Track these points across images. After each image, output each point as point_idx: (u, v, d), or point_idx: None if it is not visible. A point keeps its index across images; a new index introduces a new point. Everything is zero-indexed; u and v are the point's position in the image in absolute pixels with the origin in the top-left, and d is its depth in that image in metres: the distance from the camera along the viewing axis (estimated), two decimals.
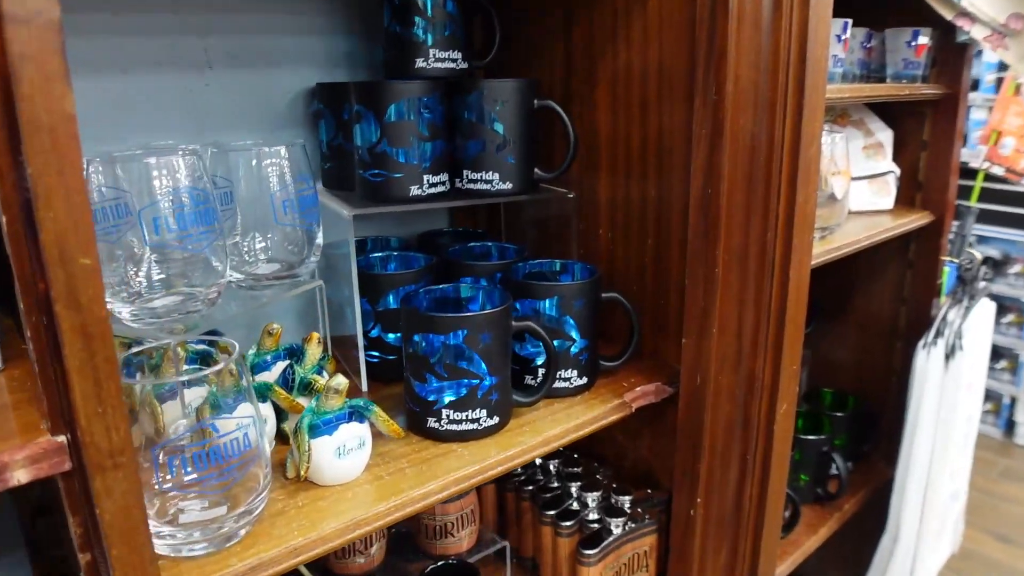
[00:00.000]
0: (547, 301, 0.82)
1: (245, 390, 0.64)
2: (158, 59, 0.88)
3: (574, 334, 0.83)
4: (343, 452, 0.68)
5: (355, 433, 0.69)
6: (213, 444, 0.60)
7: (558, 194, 0.96)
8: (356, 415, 0.70)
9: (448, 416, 0.75)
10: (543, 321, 0.82)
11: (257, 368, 0.81)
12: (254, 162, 0.77)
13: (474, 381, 0.74)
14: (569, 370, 0.84)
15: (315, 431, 0.68)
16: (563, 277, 0.90)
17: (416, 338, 0.74)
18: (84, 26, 0.83)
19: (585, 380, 0.85)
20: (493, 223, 1.15)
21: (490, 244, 0.99)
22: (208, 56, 0.90)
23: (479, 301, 0.82)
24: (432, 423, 0.76)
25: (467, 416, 0.75)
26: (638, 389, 0.86)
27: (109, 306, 0.68)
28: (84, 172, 0.44)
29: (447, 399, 0.74)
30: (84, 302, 0.45)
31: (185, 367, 0.73)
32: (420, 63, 0.90)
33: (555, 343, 0.82)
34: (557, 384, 0.84)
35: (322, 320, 0.89)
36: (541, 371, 0.84)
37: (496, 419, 0.77)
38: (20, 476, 0.51)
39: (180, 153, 0.69)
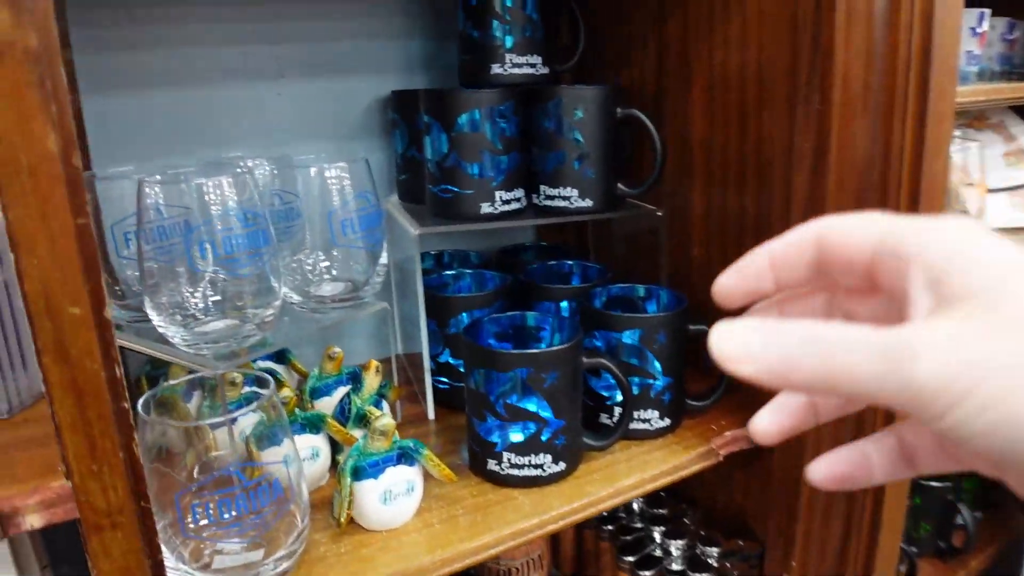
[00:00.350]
0: (627, 333, 0.74)
1: (283, 426, 0.59)
2: (230, 69, 0.85)
3: (656, 371, 0.75)
4: (389, 498, 0.63)
5: (403, 477, 0.64)
6: (246, 487, 0.56)
7: (644, 211, 0.87)
8: (405, 458, 0.64)
9: (509, 460, 0.68)
10: (622, 355, 0.74)
11: (317, 393, 0.78)
12: (315, 178, 0.73)
13: (537, 424, 0.67)
14: (649, 410, 0.76)
15: (359, 474, 0.63)
16: (648, 304, 0.82)
17: (475, 373, 0.68)
18: (155, 39, 0.81)
19: (668, 422, 0.77)
20: (581, 237, 1.07)
21: (571, 263, 0.91)
22: (280, 65, 0.87)
23: (548, 333, 0.75)
24: (492, 465, 0.69)
25: (529, 461, 0.68)
26: (728, 434, 0.76)
27: (162, 330, 0.67)
28: (79, 208, 0.39)
29: (508, 441, 0.68)
30: (74, 355, 0.41)
31: (243, 391, 0.70)
32: (496, 69, 0.84)
33: (635, 380, 0.74)
34: (636, 425, 0.76)
35: (392, 342, 0.85)
36: (618, 410, 0.76)
37: (562, 465, 0.69)
38: (33, 521, 0.48)
39: (232, 172, 0.66)
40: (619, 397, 0.76)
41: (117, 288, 0.73)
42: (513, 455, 0.68)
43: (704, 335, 0.76)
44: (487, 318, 0.75)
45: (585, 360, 0.69)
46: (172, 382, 0.65)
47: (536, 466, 0.68)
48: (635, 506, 0.93)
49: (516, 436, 0.68)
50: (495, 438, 0.68)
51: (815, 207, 0.70)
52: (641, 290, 0.82)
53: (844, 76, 0.66)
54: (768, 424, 0.36)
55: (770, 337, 0.28)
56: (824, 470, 0.36)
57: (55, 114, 0.41)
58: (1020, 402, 0.25)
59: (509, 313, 0.76)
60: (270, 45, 0.86)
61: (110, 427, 0.42)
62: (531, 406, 0.67)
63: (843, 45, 0.66)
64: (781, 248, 0.35)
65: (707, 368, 0.84)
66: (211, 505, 0.54)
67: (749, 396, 0.83)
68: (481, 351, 0.68)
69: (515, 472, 0.68)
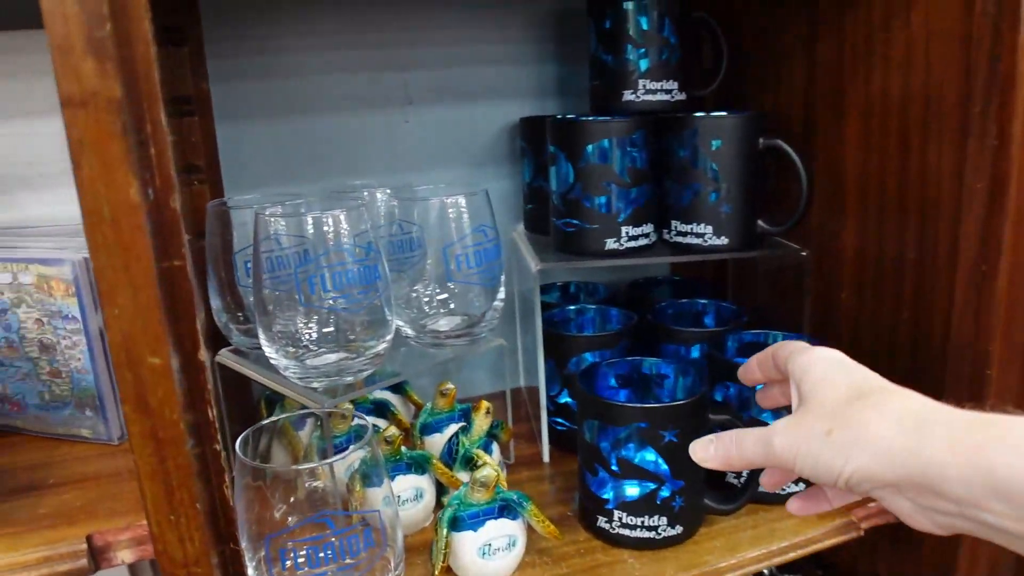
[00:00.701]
0: (760, 385, 0.67)
1: (381, 469, 0.58)
2: (359, 96, 0.85)
3: None
4: (488, 552, 0.60)
5: (505, 531, 0.60)
6: (339, 533, 0.54)
7: (787, 250, 0.80)
8: (508, 511, 0.61)
9: (620, 518, 0.64)
10: (753, 409, 0.68)
11: (428, 429, 0.76)
12: (432, 210, 0.71)
13: (652, 484, 0.62)
14: None
15: (458, 525, 0.60)
16: None
17: (588, 423, 0.64)
18: (286, 67, 0.82)
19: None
20: (719, 273, 1.00)
21: (704, 303, 0.85)
22: (408, 91, 0.87)
23: (672, 380, 0.69)
24: (602, 522, 0.65)
25: (643, 522, 0.63)
26: (872, 505, 0.68)
27: (274, 362, 0.67)
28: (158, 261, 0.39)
29: (621, 499, 0.63)
30: (154, 404, 0.40)
31: (353, 423, 0.70)
32: (628, 95, 0.79)
33: None
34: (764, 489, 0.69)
35: (508, 378, 0.82)
36: (746, 471, 0.69)
37: (679, 529, 0.64)
38: (124, 556, 0.48)
39: (348, 205, 0.65)
40: None
41: (240, 314, 0.74)
42: (625, 514, 0.63)
43: None
44: (606, 362, 0.70)
45: (712, 416, 0.63)
46: (281, 416, 0.65)
47: (650, 527, 0.63)
48: (764, 570, 0.85)
49: (630, 493, 0.63)
50: (607, 494, 0.64)
51: (988, 255, 0.61)
52: (779, 337, 0.75)
53: None
54: (797, 508, 0.54)
55: (718, 443, 0.52)
56: (797, 503, 0.54)
57: (149, 160, 0.40)
58: (818, 460, 0.44)
59: (630, 358, 0.71)
60: (399, 71, 0.86)
61: (188, 477, 0.42)
62: (648, 463, 0.62)
63: None
64: (760, 358, 0.58)
65: None
66: (300, 549, 0.53)
67: None
68: (594, 401, 0.64)
69: (626, 532, 0.64)
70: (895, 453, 0.41)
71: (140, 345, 0.39)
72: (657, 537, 0.63)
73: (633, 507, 0.63)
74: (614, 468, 0.63)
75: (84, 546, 0.47)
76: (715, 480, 0.71)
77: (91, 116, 0.37)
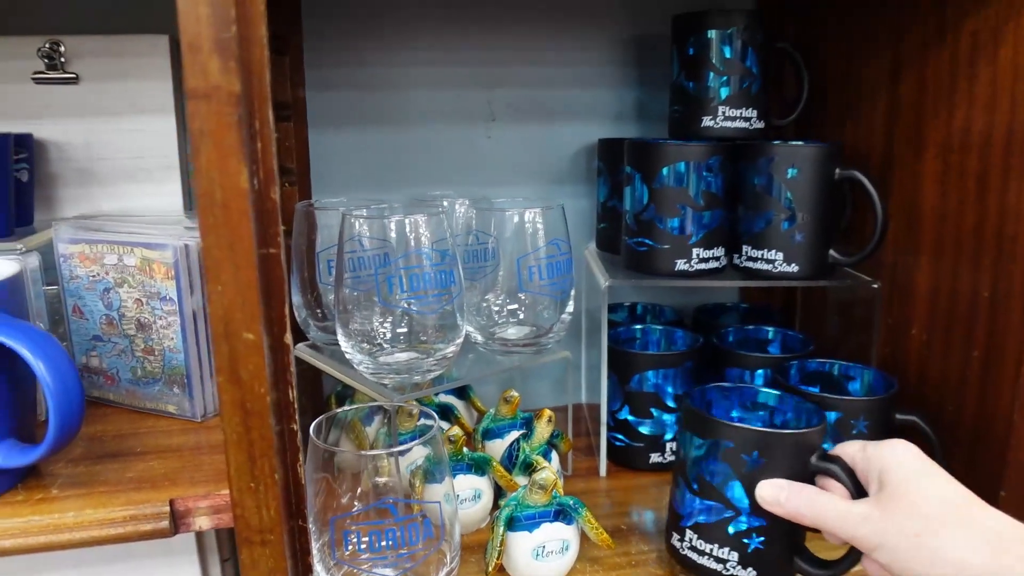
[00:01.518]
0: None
1: (444, 465, 0.60)
2: (444, 111, 0.89)
3: None
4: (542, 554, 0.61)
5: (559, 535, 0.62)
6: (399, 521, 0.56)
7: (859, 282, 0.80)
8: (563, 515, 0.63)
9: (691, 540, 0.61)
10: None
11: (490, 435, 0.78)
12: (508, 222, 0.74)
13: (727, 512, 0.59)
14: None
15: (514, 525, 0.62)
16: (851, 385, 0.75)
17: (681, 435, 0.63)
18: (379, 81, 0.86)
19: None
20: (789, 302, 1.00)
21: (771, 330, 0.85)
22: (492, 108, 0.90)
23: (780, 411, 0.66)
24: (675, 539, 0.63)
25: (712, 551, 0.60)
26: None
27: (349, 357, 0.70)
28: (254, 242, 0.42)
29: (695, 519, 0.61)
30: (245, 377, 0.43)
31: (419, 423, 0.72)
32: (707, 121, 0.81)
33: None
34: None
35: (570, 391, 0.83)
36: None
37: (752, 572, 0.59)
38: (202, 523, 0.51)
39: (429, 212, 0.68)
40: None
41: (319, 311, 0.77)
42: (696, 536, 0.61)
43: (914, 426, 0.68)
44: (723, 384, 0.67)
45: (815, 462, 0.57)
46: (352, 407, 0.68)
47: (719, 559, 0.60)
48: None
49: (703, 516, 0.60)
50: (684, 510, 0.62)
51: None
52: (845, 368, 0.75)
53: None
54: None
55: (791, 493, 0.55)
56: None
57: (256, 153, 0.44)
58: (899, 557, 0.48)
59: (747, 386, 0.68)
60: (484, 89, 0.89)
61: (270, 449, 0.44)
62: (722, 488, 0.59)
63: None
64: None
65: None
66: (363, 534, 0.55)
67: None
68: (686, 408, 0.62)
69: (693, 556, 0.61)
70: (976, 573, 0.45)
71: (237, 321, 0.42)
72: (724, 572, 0.60)
73: (704, 531, 0.60)
74: (693, 484, 0.60)
75: (167, 509, 0.50)
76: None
77: (212, 108, 0.40)
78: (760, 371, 0.78)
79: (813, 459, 0.57)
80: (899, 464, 0.51)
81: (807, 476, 0.57)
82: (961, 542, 0.46)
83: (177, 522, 0.50)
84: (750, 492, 0.58)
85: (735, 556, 0.59)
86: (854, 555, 0.56)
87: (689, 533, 0.61)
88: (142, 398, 0.64)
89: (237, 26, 0.40)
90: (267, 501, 0.45)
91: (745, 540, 0.59)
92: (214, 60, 0.40)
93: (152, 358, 0.63)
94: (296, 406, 0.50)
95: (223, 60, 0.40)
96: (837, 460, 0.56)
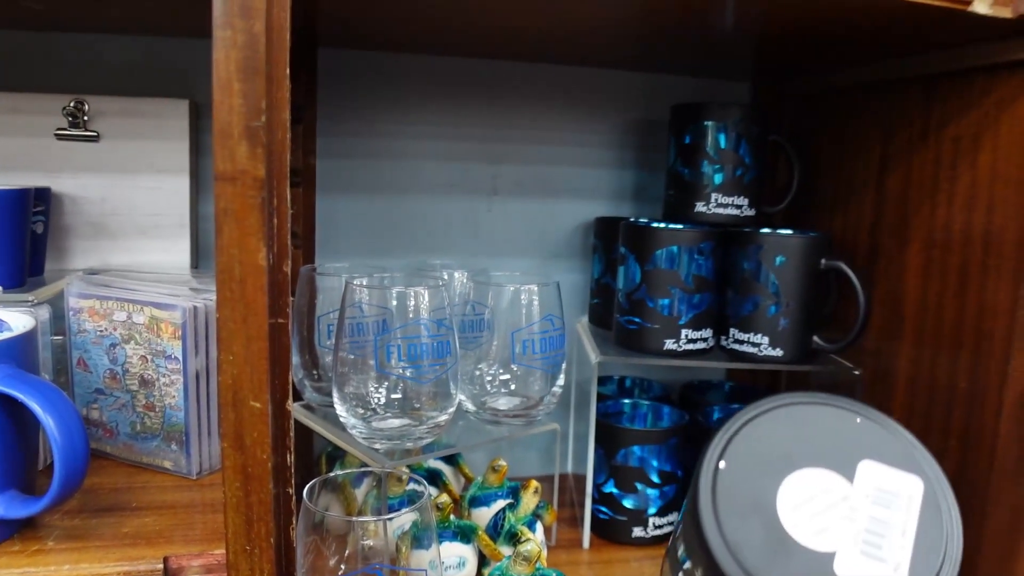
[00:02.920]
0: None
1: (431, 532, 0.61)
2: (449, 183, 0.92)
3: None
4: None
5: None
6: None
7: (840, 368, 0.82)
8: None
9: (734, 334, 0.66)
10: None
11: (477, 502, 0.79)
12: (505, 296, 0.76)
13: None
14: None
15: None
16: None
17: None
18: (389, 151, 0.90)
19: None
20: (774, 383, 1.02)
21: None
22: (495, 183, 0.93)
23: None
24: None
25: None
26: None
27: (343, 420, 0.72)
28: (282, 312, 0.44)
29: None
30: (248, 443, 0.45)
31: (407, 487, 0.73)
32: (700, 207, 0.84)
33: None
34: None
35: (557, 464, 0.85)
36: None
37: (778, 351, 0.69)
38: None
39: (429, 283, 0.71)
40: None
41: (315, 372, 0.79)
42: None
43: None
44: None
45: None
46: (343, 472, 0.69)
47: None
48: None
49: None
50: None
51: None
52: None
53: None
54: None
55: None
56: None
57: (272, 229, 0.47)
58: None
59: None
60: (488, 164, 0.92)
61: (267, 513, 0.46)
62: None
63: None
64: None
65: None
66: None
67: None
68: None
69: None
70: None
71: (246, 389, 0.44)
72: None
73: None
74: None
75: (160, 566, 0.51)
76: None
77: (238, 190, 0.43)
78: None
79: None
80: None
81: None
82: None
83: None
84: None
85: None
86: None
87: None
88: (139, 453, 0.66)
89: (267, 114, 0.43)
90: (261, 564, 0.46)
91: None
92: (243, 146, 0.43)
93: (152, 414, 0.64)
94: (292, 470, 0.52)
95: (251, 147, 0.43)
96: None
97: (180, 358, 0.62)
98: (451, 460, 0.88)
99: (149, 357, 0.64)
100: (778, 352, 0.78)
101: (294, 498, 0.53)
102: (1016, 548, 0.63)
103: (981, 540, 0.67)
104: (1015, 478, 0.63)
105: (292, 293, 0.78)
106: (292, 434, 0.51)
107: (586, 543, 0.82)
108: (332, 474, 0.64)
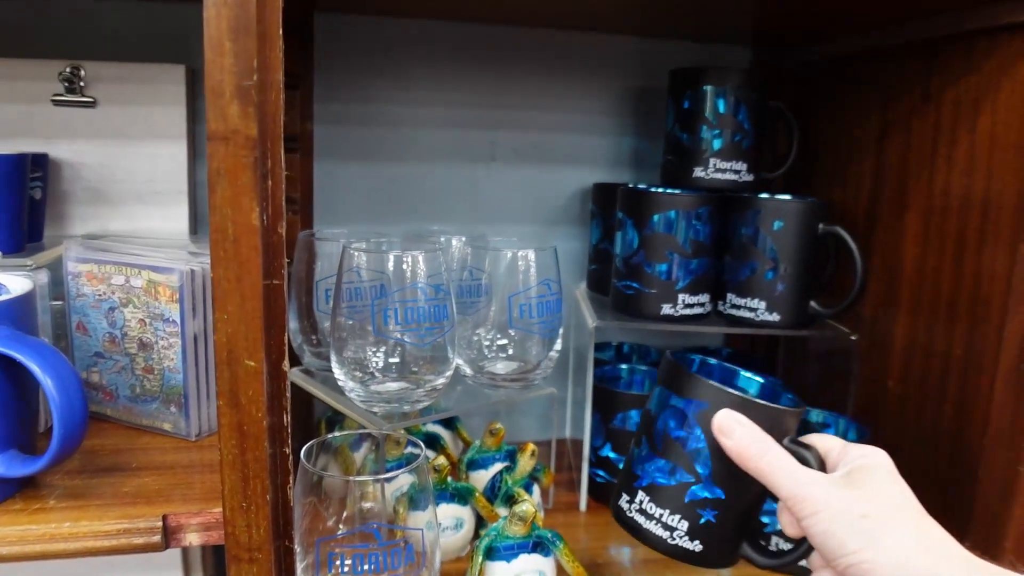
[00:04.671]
0: None
1: (428, 494, 0.62)
2: (447, 150, 0.92)
3: None
4: None
5: (536, 566, 0.64)
6: (382, 546, 0.58)
7: (837, 333, 0.83)
8: (541, 547, 0.65)
9: (641, 502, 0.57)
10: None
11: (474, 465, 0.80)
12: (502, 261, 0.77)
13: (687, 477, 0.55)
14: None
15: (492, 554, 0.64)
16: (826, 432, 0.77)
17: (656, 391, 0.58)
18: (386, 118, 0.90)
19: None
20: (772, 349, 1.03)
21: (750, 377, 0.87)
22: (493, 149, 0.93)
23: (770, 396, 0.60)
24: (623, 500, 0.58)
25: (661, 516, 0.56)
26: None
27: (341, 384, 0.72)
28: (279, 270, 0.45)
29: (651, 479, 0.56)
30: (244, 402, 0.46)
31: (405, 451, 0.74)
32: (698, 172, 0.84)
33: None
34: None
35: (555, 427, 0.85)
36: (776, 540, 0.71)
37: (698, 546, 0.55)
38: (192, 539, 0.53)
39: (426, 248, 0.71)
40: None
41: (314, 337, 0.80)
42: (648, 499, 0.56)
43: None
44: (699, 357, 0.65)
45: (787, 443, 0.53)
46: (342, 433, 0.70)
47: (667, 527, 0.56)
48: None
49: (662, 478, 0.56)
50: (639, 470, 0.57)
51: None
52: (820, 416, 0.77)
53: None
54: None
55: (746, 432, 0.51)
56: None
57: (267, 191, 0.47)
58: (836, 531, 0.45)
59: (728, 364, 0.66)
60: (486, 131, 0.92)
61: (263, 471, 0.47)
62: (692, 451, 0.54)
63: None
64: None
65: None
66: (347, 556, 0.57)
67: None
68: (670, 364, 0.58)
69: (640, 519, 0.57)
70: (911, 568, 0.42)
71: (240, 348, 0.45)
72: (669, 540, 0.56)
73: (658, 493, 0.56)
74: (658, 444, 0.56)
75: (159, 524, 0.52)
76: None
77: (230, 150, 0.43)
78: None
79: (786, 441, 0.54)
80: (875, 463, 0.48)
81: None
82: (908, 540, 0.43)
83: (168, 537, 0.52)
84: (715, 460, 0.54)
85: (684, 525, 0.55)
86: (802, 548, 0.53)
87: (641, 495, 0.57)
88: (139, 415, 0.66)
89: (259, 74, 0.43)
90: (257, 521, 0.47)
91: (699, 511, 0.55)
92: (234, 106, 0.43)
93: (151, 377, 0.65)
94: (289, 430, 0.52)
95: (243, 106, 0.43)
96: (811, 448, 0.53)
97: (178, 321, 0.63)
98: (449, 424, 0.89)
99: (147, 320, 0.64)
100: (775, 317, 0.79)
101: (291, 458, 0.54)
102: (1008, 512, 0.63)
103: (974, 504, 0.67)
104: (1008, 443, 0.64)
105: (289, 258, 0.79)
106: (288, 395, 0.52)
107: (583, 506, 0.83)
108: (330, 435, 0.65)
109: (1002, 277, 0.69)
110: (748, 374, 0.64)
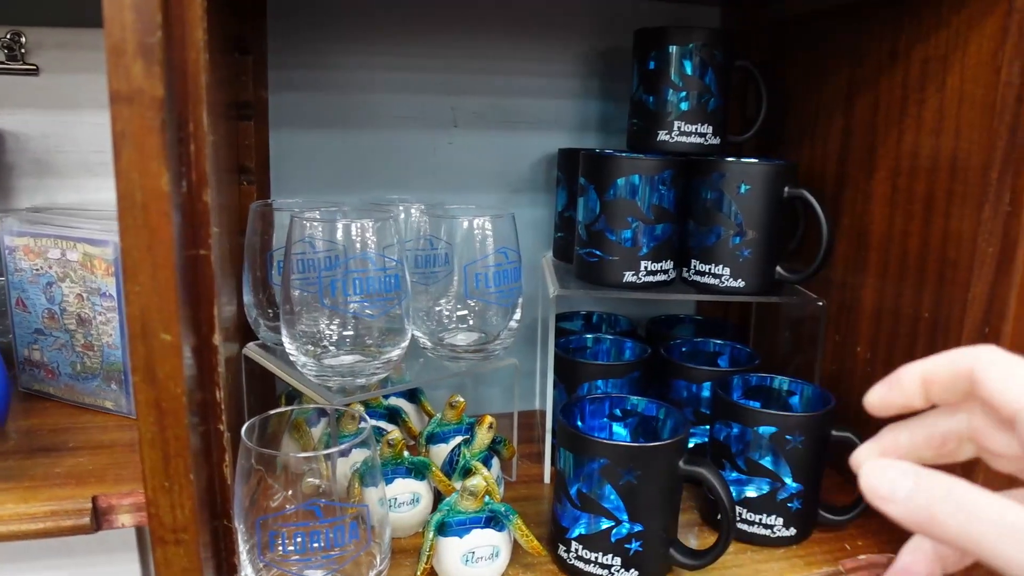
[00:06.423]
0: (761, 428, 0.69)
1: (376, 469, 0.60)
2: (407, 116, 0.89)
3: (785, 475, 0.68)
4: (472, 560, 0.62)
5: (489, 541, 0.62)
6: (325, 523, 0.57)
7: (804, 299, 0.81)
8: (494, 522, 0.63)
9: (576, 550, 0.64)
10: (751, 451, 0.69)
11: (435, 439, 0.79)
12: (458, 229, 0.74)
13: (608, 523, 0.62)
14: (773, 516, 0.69)
15: (444, 530, 0.62)
16: (792, 400, 0.76)
17: (560, 452, 0.65)
18: (342, 84, 0.87)
19: (793, 532, 0.70)
20: (744, 317, 1.01)
21: (720, 344, 0.86)
22: (455, 115, 0.90)
23: (661, 424, 0.69)
24: (561, 551, 0.65)
25: (596, 558, 0.63)
26: (862, 558, 0.68)
27: (293, 359, 0.70)
28: (173, 242, 0.42)
29: (577, 531, 0.63)
30: (161, 377, 0.44)
31: (361, 425, 0.73)
32: (663, 135, 0.81)
33: (763, 482, 0.69)
34: (756, 529, 0.70)
35: (516, 398, 0.83)
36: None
37: (633, 573, 0.63)
38: (124, 520, 0.52)
39: (377, 217, 0.69)
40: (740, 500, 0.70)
41: (271, 311, 0.78)
42: (581, 547, 0.63)
43: (848, 443, 0.69)
44: (590, 397, 0.71)
45: (682, 467, 0.62)
46: (283, 409, 0.68)
47: (604, 565, 0.63)
48: None
49: (584, 528, 0.63)
50: (567, 523, 0.64)
51: (992, 319, 0.62)
52: (785, 383, 0.75)
53: None
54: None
55: (920, 486, 0.31)
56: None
57: (187, 156, 0.44)
58: None
59: (616, 394, 0.73)
60: (447, 95, 0.89)
61: (185, 449, 0.45)
62: (603, 501, 0.62)
63: None
64: (934, 371, 0.36)
65: (850, 479, 0.76)
66: (289, 535, 0.56)
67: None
68: (564, 428, 0.64)
69: (580, 564, 0.64)
70: None
71: (154, 321, 0.43)
72: None
73: (587, 541, 0.63)
74: (575, 500, 0.63)
75: (89, 505, 0.50)
76: (706, 517, 0.72)
77: (135, 111, 0.41)
78: (706, 383, 0.78)
79: (681, 463, 0.62)
80: None
81: (677, 480, 0.63)
82: None
83: (100, 519, 0.51)
84: (627, 501, 0.61)
85: (618, 561, 0.63)
86: (721, 546, 0.62)
87: (575, 544, 0.64)
88: (81, 393, 0.65)
89: (165, 30, 0.41)
90: (182, 500, 0.45)
91: (627, 546, 0.62)
92: (138, 64, 0.40)
93: (91, 354, 0.63)
94: (223, 407, 0.50)
95: (147, 63, 0.40)
96: (704, 463, 0.62)
97: (115, 295, 0.61)
98: (413, 398, 0.87)
99: (85, 295, 0.62)
100: (740, 283, 0.77)
101: (227, 435, 0.52)
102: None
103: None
104: None
105: (244, 229, 0.77)
106: (221, 370, 0.50)
107: (547, 478, 0.82)
108: (276, 411, 0.63)
109: (969, 238, 0.67)
110: (635, 397, 0.71)
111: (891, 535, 0.72)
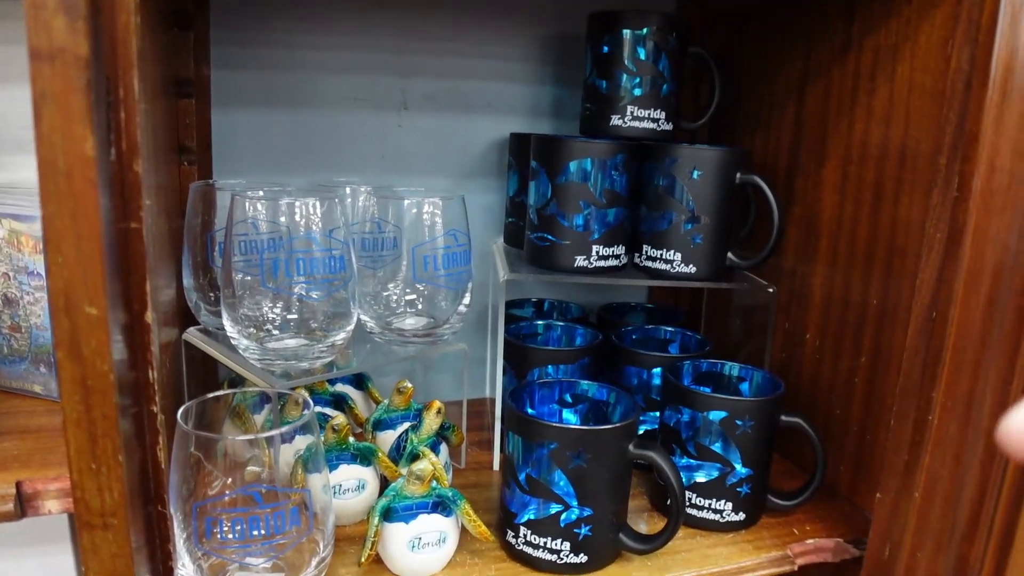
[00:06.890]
0: (711, 413, 0.68)
1: (318, 454, 0.58)
2: (356, 97, 0.87)
3: (735, 460, 0.68)
4: (418, 545, 0.60)
5: (436, 526, 0.61)
6: (264, 509, 0.55)
7: (755, 285, 0.81)
8: (441, 507, 0.62)
9: (525, 536, 0.63)
10: (701, 436, 0.68)
11: (382, 425, 0.77)
12: (407, 211, 0.73)
13: (557, 507, 0.61)
14: (722, 501, 0.69)
15: (390, 516, 0.61)
16: (742, 385, 0.75)
17: (509, 436, 0.64)
18: (288, 62, 0.84)
19: (742, 516, 0.70)
20: (695, 304, 1.01)
21: (671, 331, 0.86)
22: (405, 97, 0.89)
23: (611, 409, 0.69)
24: (510, 536, 0.64)
25: (545, 543, 0.62)
26: (810, 542, 0.68)
27: (235, 342, 0.68)
28: (99, 215, 0.40)
29: (526, 516, 0.63)
30: (87, 353, 0.41)
31: (305, 411, 0.71)
32: (615, 120, 0.81)
33: (713, 467, 0.68)
34: (705, 514, 0.70)
35: (465, 385, 0.82)
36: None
37: (583, 558, 0.63)
38: (51, 506, 0.49)
39: (322, 197, 0.67)
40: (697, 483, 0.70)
41: (212, 294, 0.75)
42: (530, 532, 0.63)
43: (797, 428, 0.69)
44: (541, 382, 0.70)
45: (632, 450, 0.62)
46: (220, 393, 0.65)
47: (552, 551, 0.62)
48: None
49: (533, 514, 0.62)
50: (516, 508, 0.63)
51: (939, 305, 0.62)
52: (735, 369, 0.75)
53: (988, 164, 0.58)
54: None
55: None
56: None
57: (118, 123, 0.42)
58: None
59: (566, 379, 0.72)
60: (397, 77, 0.87)
61: (113, 429, 0.43)
62: (552, 485, 0.61)
63: (992, 129, 0.58)
64: None
65: (798, 464, 0.77)
66: (227, 521, 0.54)
67: (844, 502, 0.74)
68: (513, 413, 0.63)
69: (528, 550, 0.63)
70: None
71: (79, 294, 0.40)
72: (557, 562, 0.62)
73: (536, 526, 0.62)
74: (524, 484, 0.62)
75: (12, 491, 0.48)
76: (655, 503, 0.72)
77: (56, 70, 0.38)
78: (656, 369, 0.78)
79: (631, 447, 0.62)
80: None
81: (627, 465, 0.63)
82: None
83: (24, 505, 0.48)
84: (576, 486, 0.61)
85: (567, 546, 0.62)
86: (670, 531, 0.63)
87: (523, 529, 0.63)
88: (8, 377, 0.62)
89: None
90: (110, 483, 0.43)
91: (576, 530, 0.62)
92: (59, 19, 0.38)
93: (19, 336, 0.60)
94: (157, 387, 0.48)
95: (70, 20, 0.38)
96: (654, 447, 0.62)
97: (43, 274, 0.58)
98: (360, 385, 0.86)
99: (11, 274, 0.59)
100: (691, 269, 0.76)
101: (162, 418, 0.50)
102: (917, 463, 0.62)
103: (885, 453, 0.66)
104: (918, 392, 0.63)
105: (183, 208, 0.74)
106: (155, 349, 0.48)
107: (496, 465, 0.81)
108: (213, 394, 0.61)
109: (917, 226, 0.67)
110: (585, 382, 0.71)
111: (838, 520, 0.72)
